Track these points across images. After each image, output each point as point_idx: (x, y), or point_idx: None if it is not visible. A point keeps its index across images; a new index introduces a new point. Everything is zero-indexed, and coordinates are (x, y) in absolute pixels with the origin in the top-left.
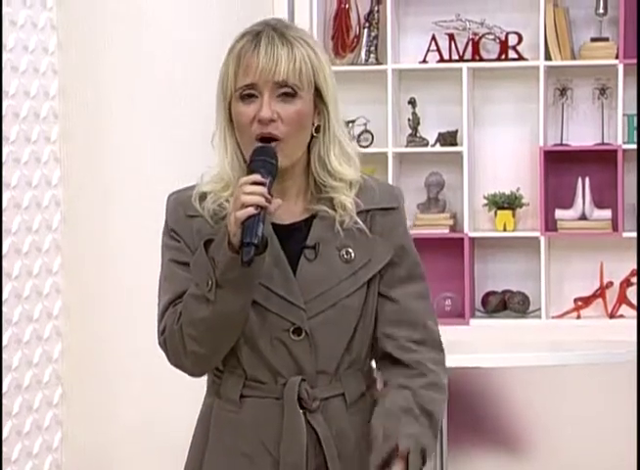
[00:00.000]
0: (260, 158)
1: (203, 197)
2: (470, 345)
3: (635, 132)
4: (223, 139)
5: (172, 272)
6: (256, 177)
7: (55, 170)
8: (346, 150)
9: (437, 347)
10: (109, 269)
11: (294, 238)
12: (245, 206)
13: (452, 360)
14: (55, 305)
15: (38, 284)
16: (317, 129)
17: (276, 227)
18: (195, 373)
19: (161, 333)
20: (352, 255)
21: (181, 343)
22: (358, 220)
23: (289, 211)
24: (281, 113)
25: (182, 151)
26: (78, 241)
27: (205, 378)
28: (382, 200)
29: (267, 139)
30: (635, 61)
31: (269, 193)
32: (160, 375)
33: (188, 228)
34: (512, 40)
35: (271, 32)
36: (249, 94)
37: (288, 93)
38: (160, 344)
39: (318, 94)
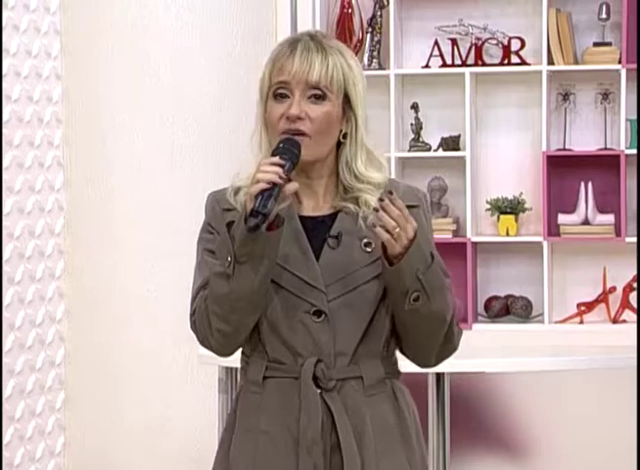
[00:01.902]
0: (283, 145)
1: (237, 192)
2: (472, 350)
3: (638, 137)
4: (259, 138)
5: (205, 260)
6: (274, 159)
7: (58, 175)
8: (375, 156)
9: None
10: (111, 274)
11: (319, 229)
12: (259, 182)
13: (455, 365)
14: (58, 309)
15: (41, 288)
16: (344, 136)
17: (303, 219)
18: (221, 351)
19: (192, 314)
20: (373, 245)
21: (207, 321)
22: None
23: (316, 206)
24: (309, 112)
25: (185, 155)
26: (81, 245)
27: (210, 380)
28: (405, 198)
29: (293, 135)
30: (637, 66)
31: (288, 177)
32: (163, 379)
33: (223, 220)
34: (515, 45)
35: (308, 40)
36: (281, 93)
37: (318, 95)
38: (190, 325)
39: (347, 102)
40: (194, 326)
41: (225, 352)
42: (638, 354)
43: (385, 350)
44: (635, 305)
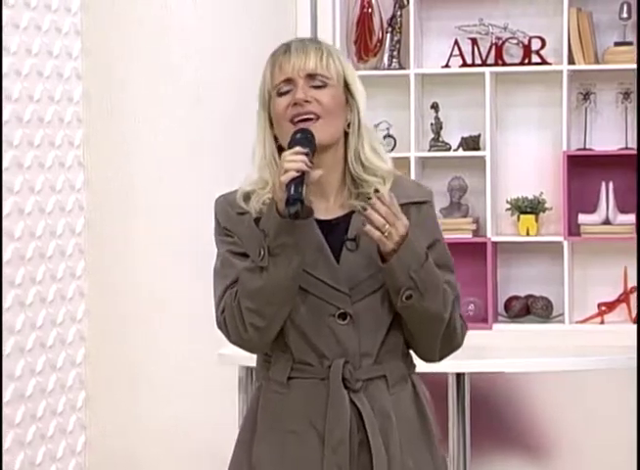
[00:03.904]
0: (299, 136)
1: (247, 196)
2: (493, 350)
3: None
4: (263, 144)
5: (229, 261)
6: (297, 149)
7: (78, 175)
8: (378, 146)
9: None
10: (132, 273)
11: (335, 232)
12: (287, 171)
13: (475, 365)
14: (78, 308)
15: (62, 288)
16: (349, 125)
17: (318, 223)
18: (254, 348)
19: (221, 313)
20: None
21: (240, 317)
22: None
23: (328, 208)
24: (315, 96)
25: (205, 156)
26: (102, 245)
27: (230, 379)
28: (414, 194)
29: (304, 121)
30: None
31: (310, 162)
32: (183, 378)
33: (240, 224)
34: (535, 45)
35: (301, 39)
36: (286, 91)
37: (318, 86)
38: (218, 324)
39: (348, 91)
40: (223, 324)
41: (258, 348)
42: (638, 355)
43: (404, 347)
44: None
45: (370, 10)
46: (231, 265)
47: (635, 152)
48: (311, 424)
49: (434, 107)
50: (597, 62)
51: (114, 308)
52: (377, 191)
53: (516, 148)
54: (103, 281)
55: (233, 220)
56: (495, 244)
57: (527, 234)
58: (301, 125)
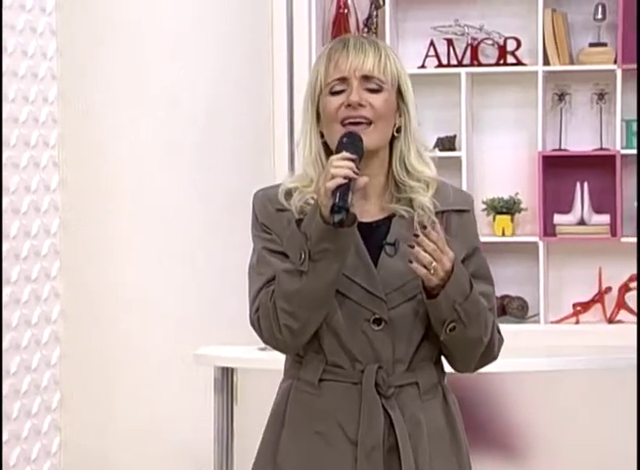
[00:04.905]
0: (348, 140)
1: (288, 193)
2: None
3: (634, 137)
4: (309, 139)
5: (265, 259)
6: (345, 154)
7: (54, 175)
8: (424, 152)
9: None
10: (107, 274)
11: (374, 235)
12: (334, 177)
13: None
14: (53, 309)
15: (37, 289)
16: (398, 130)
17: (358, 225)
18: (287, 348)
19: (255, 311)
20: None
21: (275, 318)
22: (436, 220)
23: (369, 210)
24: (369, 100)
25: (182, 155)
26: (77, 246)
27: (206, 380)
28: (456, 202)
29: (356, 124)
30: (633, 66)
31: (357, 168)
32: (159, 379)
33: (279, 221)
34: (510, 45)
35: (359, 37)
36: (339, 90)
37: (373, 89)
38: (252, 322)
39: (400, 95)
40: (257, 323)
41: (290, 350)
42: (638, 354)
43: (438, 355)
44: (631, 306)
45: (346, 10)
46: (267, 263)
47: (610, 153)
48: (340, 427)
49: None
50: (572, 63)
51: (89, 309)
52: (425, 227)
53: (491, 148)
54: (78, 282)
55: (272, 217)
56: None
57: (503, 234)
58: (351, 129)
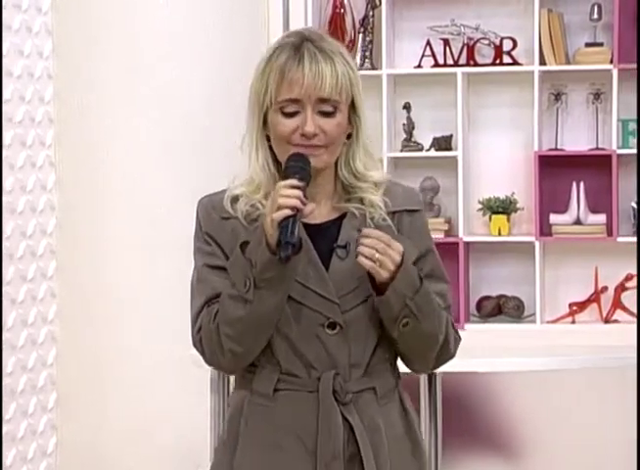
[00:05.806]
0: (295, 164)
1: (235, 199)
2: (464, 349)
3: (630, 137)
4: (255, 145)
5: (205, 276)
6: (293, 182)
7: (50, 175)
8: (370, 154)
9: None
10: (104, 274)
11: (324, 237)
12: (281, 208)
13: (446, 365)
14: (50, 309)
15: (33, 289)
16: (348, 136)
17: (307, 227)
18: (232, 370)
19: (197, 332)
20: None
21: (218, 342)
22: (387, 218)
23: (318, 211)
24: (323, 126)
25: (178, 156)
26: (73, 246)
27: (202, 380)
28: (406, 202)
29: (302, 153)
30: (629, 66)
31: (304, 196)
32: (155, 379)
33: (222, 230)
34: (507, 45)
35: (311, 47)
36: (291, 112)
37: (328, 112)
38: (194, 343)
39: (352, 105)
40: (199, 344)
41: (234, 371)
42: (638, 354)
43: (394, 356)
44: (627, 305)
45: (342, 10)
46: (207, 280)
47: (606, 152)
48: (299, 438)
49: (407, 107)
50: (568, 62)
51: (85, 309)
52: (359, 230)
53: (487, 148)
54: (74, 282)
55: (215, 225)
56: (467, 244)
57: (499, 234)
58: (301, 151)
